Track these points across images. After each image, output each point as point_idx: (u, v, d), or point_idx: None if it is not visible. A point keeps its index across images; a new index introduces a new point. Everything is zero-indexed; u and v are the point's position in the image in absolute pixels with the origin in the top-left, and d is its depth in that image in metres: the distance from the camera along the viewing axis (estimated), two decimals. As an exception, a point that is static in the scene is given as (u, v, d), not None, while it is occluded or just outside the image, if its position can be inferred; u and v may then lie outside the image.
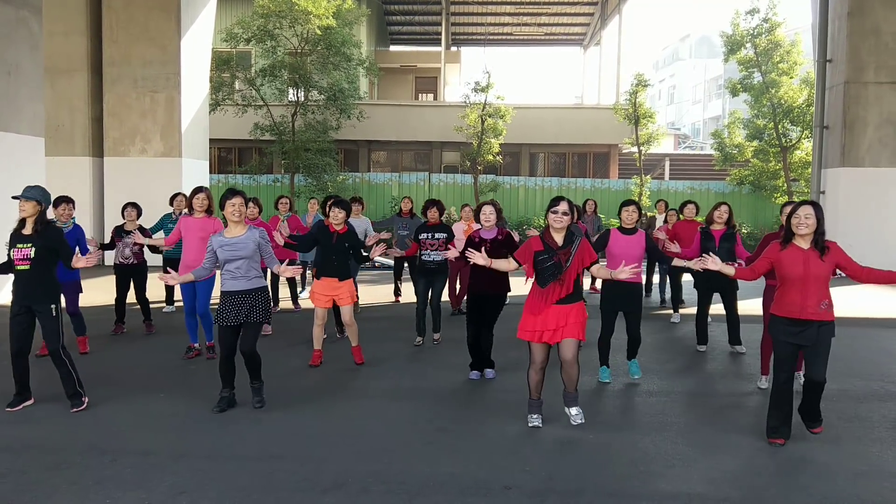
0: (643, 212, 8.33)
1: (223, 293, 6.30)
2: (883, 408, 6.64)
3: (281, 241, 7.77)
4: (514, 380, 7.27)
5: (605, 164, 29.12)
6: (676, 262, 7.43)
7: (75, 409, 6.23)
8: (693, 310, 9.39)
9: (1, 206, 11.87)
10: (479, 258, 5.95)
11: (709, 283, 8.59)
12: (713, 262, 5.75)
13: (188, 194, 8.51)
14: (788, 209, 6.79)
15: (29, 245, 6.15)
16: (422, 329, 9.11)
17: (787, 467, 5.20)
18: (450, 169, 28.17)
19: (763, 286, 7.24)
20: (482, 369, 7.60)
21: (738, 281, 8.61)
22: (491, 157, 22.44)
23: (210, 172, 20.33)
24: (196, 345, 8.33)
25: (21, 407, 6.31)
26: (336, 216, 7.78)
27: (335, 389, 7.07)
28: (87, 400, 6.37)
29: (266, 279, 6.97)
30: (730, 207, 8.78)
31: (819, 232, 5.42)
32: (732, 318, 8.82)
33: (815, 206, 5.48)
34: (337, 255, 7.82)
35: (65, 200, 8.25)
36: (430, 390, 7.08)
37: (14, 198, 6.29)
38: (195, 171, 18.13)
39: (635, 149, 23.79)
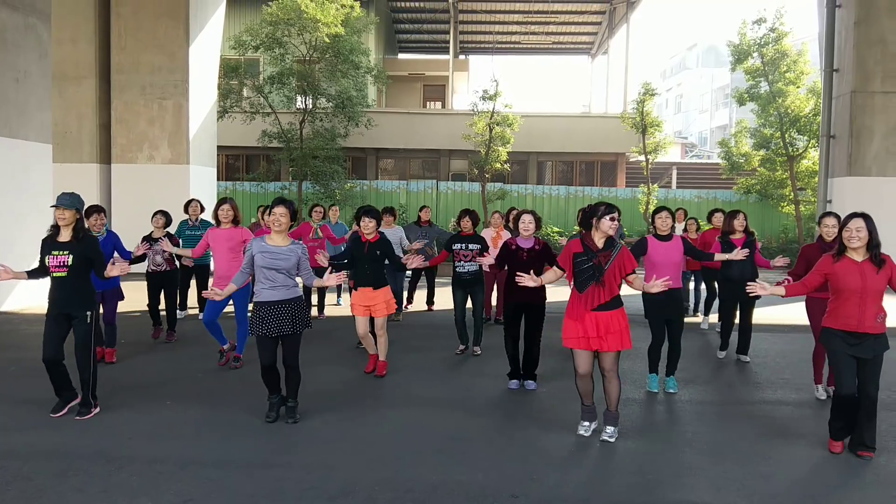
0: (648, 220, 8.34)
1: (259, 304, 6.22)
2: (891, 417, 6.62)
3: (325, 263, 7.59)
4: (532, 391, 7.30)
5: (612, 173, 29.10)
6: (718, 256, 7.45)
7: (80, 418, 6.23)
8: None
9: (7, 210, 11.95)
10: (528, 280, 5.94)
11: (734, 293, 8.60)
12: (762, 288, 5.69)
13: (214, 206, 8.57)
14: (828, 221, 6.83)
15: (66, 252, 6.16)
16: (464, 336, 9.07)
17: (795, 476, 5.19)
18: (457, 177, 28.20)
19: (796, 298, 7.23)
20: (522, 379, 7.60)
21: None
22: (499, 166, 22.42)
23: (218, 180, 20.35)
24: (225, 346, 8.30)
25: (66, 410, 6.31)
26: (367, 225, 7.77)
27: (350, 398, 7.07)
28: (96, 411, 6.37)
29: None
30: (745, 215, 8.85)
31: (873, 244, 5.42)
32: (746, 328, 8.82)
33: (866, 217, 5.47)
34: (370, 264, 7.79)
35: (96, 210, 8.23)
36: (446, 400, 7.07)
37: (52, 206, 6.29)
38: (203, 179, 18.17)
39: (642, 157, 23.74)
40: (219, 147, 20.02)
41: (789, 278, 7.14)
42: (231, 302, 8.14)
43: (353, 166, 27.96)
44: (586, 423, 6.02)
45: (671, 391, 7.43)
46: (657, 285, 5.77)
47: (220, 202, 8.39)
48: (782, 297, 5.91)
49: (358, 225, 7.91)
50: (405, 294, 12.60)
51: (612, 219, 5.74)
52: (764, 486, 4.99)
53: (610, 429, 5.94)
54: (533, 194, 25.81)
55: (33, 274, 6.35)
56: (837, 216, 6.92)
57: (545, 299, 7.42)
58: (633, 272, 5.88)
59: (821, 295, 6.25)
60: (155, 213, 9.63)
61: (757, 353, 9.17)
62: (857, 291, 5.38)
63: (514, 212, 10.85)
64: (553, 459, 5.46)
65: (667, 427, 6.32)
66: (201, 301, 10.92)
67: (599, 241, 5.80)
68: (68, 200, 6.22)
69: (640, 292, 6.81)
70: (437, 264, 8.97)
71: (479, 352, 9.07)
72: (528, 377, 7.60)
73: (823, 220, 7.09)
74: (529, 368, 7.59)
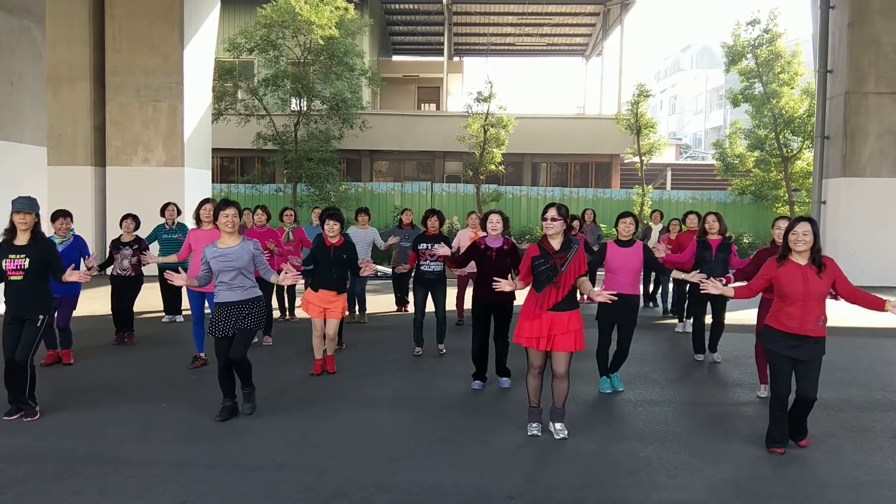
0: (640, 221, 8.35)
1: (217, 304, 6.28)
2: (885, 417, 6.64)
3: (293, 271, 7.60)
4: (517, 389, 7.29)
5: (606, 174, 29.14)
6: (676, 274, 7.45)
7: (29, 419, 6.19)
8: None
9: (1, 214, 11.92)
10: (506, 286, 5.97)
11: (707, 294, 8.61)
12: (714, 286, 5.82)
13: (196, 207, 8.51)
14: (782, 224, 6.86)
15: (23, 256, 6.13)
16: (420, 339, 9.08)
17: (789, 476, 5.20)
18: (452, 179, 28.21)
19: (758, 298, 7.25)
20: (485, 379, 7.60)
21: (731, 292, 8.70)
22: (493, 167, 22.46)
23: (212, 182, 20.34)
24: (202, 354, 8.32)
25: (16, 417, 6.22)
26: (331, 229, 7.78)
27: (338, 399, 7.07)
28: (39, 410, 6.33)
29: (272, 291, 6.85)
30: (718, 216, 8.86)
31: (816, 249, 5.46)
32: (717, 325, 8.89)
33: (812, 222, 5.51)
34: (336, 268, 7.80)
35: (62, 214, 8.17)
36: (434, 400, 7.08)
37: (13, 211, 6.22)
38: (198, 181, 18.15)
39: (637, 159, 23.82)
40: (213, 149, 20.01)
41: (731, 276, 7.23)
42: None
43: (347, 168, 27.97)
44: (534, 425, 6.04)
45: (619, 389, 7.49)
46: (602, 295, 5.81)
47: (202, 203, 8.33)
48: (731, 298, 5.98)
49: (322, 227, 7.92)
50: (393, 297, 12.63)
51: (545, 219, 5.86)
52: (759, 487, 5.00)
53: (559, 425, 6.00)
54: (527, 196, 25.83)
55: None
56: (790, 219, 6.95)
57: (513, 299, 7.44)
58: (584, 275, 5.92)
59: (771, 296, 6.26)
60: (124, 218, 9.53)
61: (749, 354, 9.17)
62: (799, 295, 5.41)
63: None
64: (548, 461, 5.47)
65: (661, 428, 6.32)
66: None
67: (556, 243, 5.86)
68: (25, 205, 6.18)
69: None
70: (411, 267, 9.00)
71: (444, 350, 9.10)
72: (501, 374, 7.64)
73: (777, 222, 7.14)
74: (500, 365, 7.62)
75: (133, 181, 17.16)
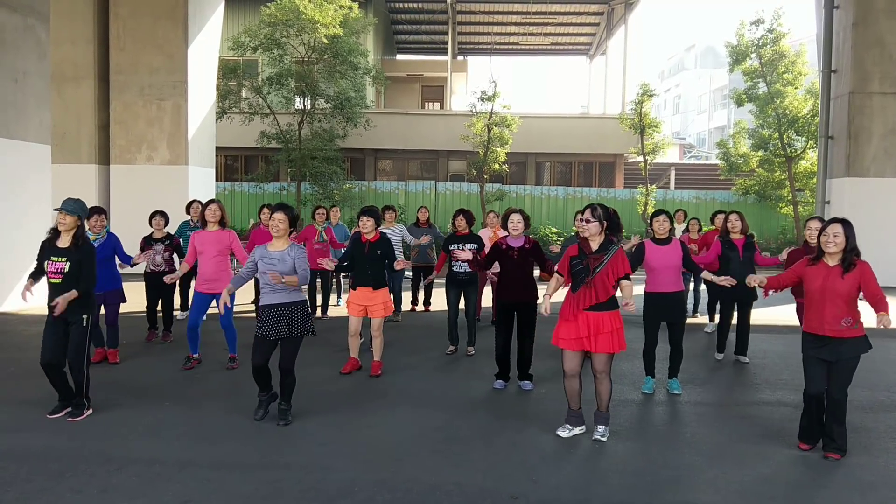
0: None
1: (262, 307, 6.26)
2: (889, 418, 6.62)
3: (330, 267, 7.54)
4: (537, 391, 7.35)
5: (610, 174, 29.11)
6: (705, 275, 7.44)
7: (72, 419, 6.21)
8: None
9: (7, 212, 11.94)
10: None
11: (731, 294, 8.62)
12: (753, 280, 5.94)
13: (201, 207, 8.50)
14: (813, 224, 6.84)
15: (64, 259, 6.13)
16: (454, 337, 9.06)
17: (794, 477, 5.19)
18: (456, 178, 28.20)
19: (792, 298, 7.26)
20: (507, 378, 7.59)
21: (759, 293, 8.70)
22: (497, 166, 22.43)
23: (216, 180, 20.34)
24: (196, 355, 8.31)
25: (62, 415, 6.25)
26: (365, 224, 7.78)
27: (348, 398, 7.07)
28: (88, 412, 6.35)
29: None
30: (741, 215, 8.88)
31: (848, 250, 5.41)
32: (744, 328, 8.86)
33: (846, 223, 5.46)
34: (370, 264, 7.78)
35: (97, 212, 8.19)
36: (444, 399, 7.06)
37: (56, 209, 6.26)
38: (201, 179, 18.15)
39: (641, 158, 23.77)
40: (217, 148, 20.01)
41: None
42: (214, 304, 8.08)
43: (351, 167, 27.95)
44: (569, 427, 5.99)
45: (675, 392, 7.41)
46: (628, 308, 5.76)
47: (208, 202, 8.31)
48: (763, 286, 5.99)
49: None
50: (420, 296, 12.65)
51: (579, 219, 5.90)
52: (763, 488, 4.99)
53: (601, 428, 5.95)
54: (531, 195, 25.82)
55: (34, 277, 6.34)
56: (822, 220, 6.92)
57: (536, 298, 7.42)
58: (627, 277, 5.88)
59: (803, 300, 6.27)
60: (154, 215, 9.59)
61: (756, 353, 9.18)
62: (816, 294, 5.43)
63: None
64: (552, 461, 5.46)
65: (666, 428, 6.32)
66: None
67: (594, 244, 5.84)
68: (72, 206, 6.21)
69: (642, 293, 6.86)
70: (440, 268, 8.98)
71: (473, 352, 9.06)
72: (522, 377, 7.59)
73: (809, 223, 7.13)
74: (523, 368, 7.58)
75: (137, 179, 17.17)
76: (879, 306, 5.37)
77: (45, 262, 6.17)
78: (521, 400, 7.13)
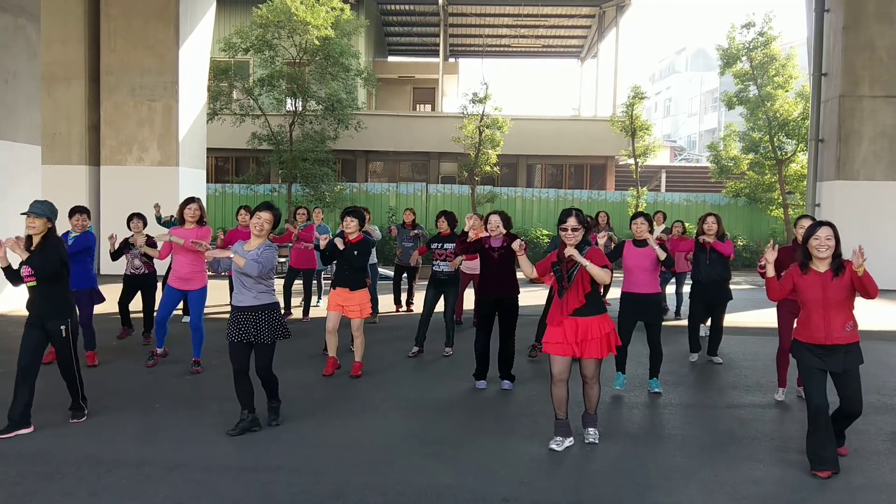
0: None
1: (232, 308, 6.17)
2: (879, 420, 6.65)
3: (323, 245, 7.58)
4: (518, 391, 7.32)
5: (601, 176, 29.16)
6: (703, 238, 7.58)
7: (75, 421, 6.20)
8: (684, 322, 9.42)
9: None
10: (516, 244, 5.96)
11: (704, 295, 8.70)
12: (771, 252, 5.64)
13: (180, 205, 8.45)
14: (805, 223, 6.62)
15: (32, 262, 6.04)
16: (421, 339, 9.06)
17: (785, 479, 5.20)
18: (447, 180, 28.18)
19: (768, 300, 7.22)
20: (486, 377, 7.59)
21: (731, 293, 8.73)
22: (488, 168, 22.44)
23: (207, 182, 20.29)
24: (160, 350, 8.35)
25: (13, 434, 5.89)
26: (348, 225, 7.76)
27: (336, 400, 7.06)
28: (87, 412, 6.33)
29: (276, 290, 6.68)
30: (718, 218, 8.84)
31: (836, 254, 5.27)
32: (717, 329, 8.95)
33: (833, 226, 5.30)
34: (348, 265, 7.78)
35: (79, 211, 8.14)
36: (432, 401, 7.07)
37: (22, 213, 6.15)
38: (192, 181, 18.10)
39: (632, 161, 23.81)
40: (208, 149, 19.98)
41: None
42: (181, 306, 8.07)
43: (342, 169, 27.92)
44: (559, 439, 5.81)
45: (656, 391, 7.45)
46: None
47: (187, 201, 8.29)
48: (765, 277, 5.69)
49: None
50: (402, 297, 12.68)
51: (564, 229, 5.68)
52: (755, 490, 5.00)
53: (591, 430, 5.96)
54: (522, 197, 25.81)
55: (12, 276, 6.11)
56: (814, 218, 6.85)
57: (518, 293, 7.48)
58: (607, 267, 5.72)
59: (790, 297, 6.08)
60: (131, 217, 9.35)
61: (746, 356, 9.20)
62: (819, 303, 5.22)
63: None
64: (543, 463, 5.46)
65: (656, 430, 6.33)
66: (185, 304, 10.61)
67: (569, 249, 5.69)
68: (40, 208, 6.05)
69: (619, 294, 6.93)
70: (421, 255, 9.21)
71: (451, 352, 9.10)
72: (503, 377, 7.59)
73: (800, 221, 7.05)
74: (505, 367, 7.58)
75: (127, 180, 17.11)
76: (867, 288, 5.17)
77: (22, 266, 6.02)
78: (508, 400, 7.13)
